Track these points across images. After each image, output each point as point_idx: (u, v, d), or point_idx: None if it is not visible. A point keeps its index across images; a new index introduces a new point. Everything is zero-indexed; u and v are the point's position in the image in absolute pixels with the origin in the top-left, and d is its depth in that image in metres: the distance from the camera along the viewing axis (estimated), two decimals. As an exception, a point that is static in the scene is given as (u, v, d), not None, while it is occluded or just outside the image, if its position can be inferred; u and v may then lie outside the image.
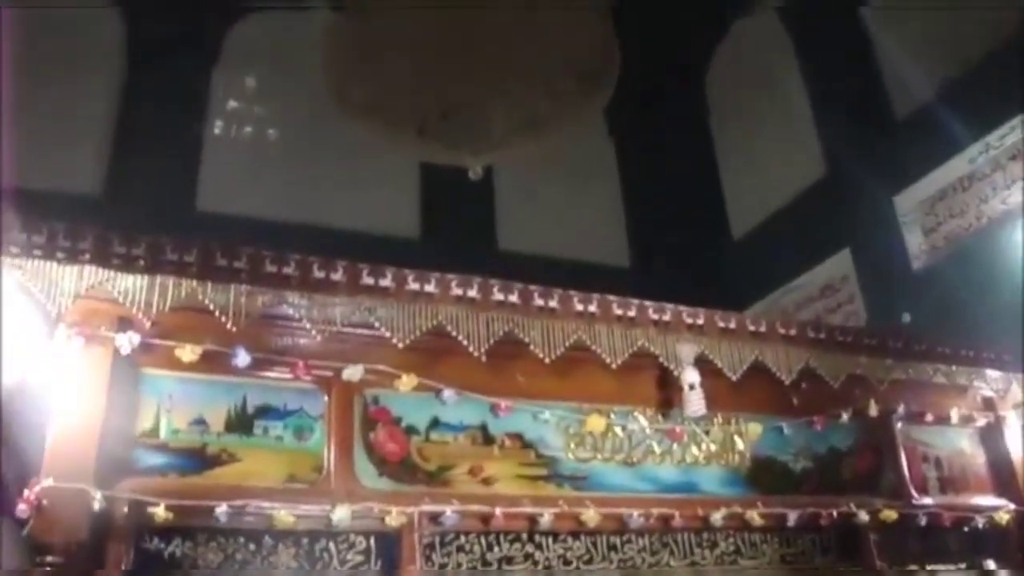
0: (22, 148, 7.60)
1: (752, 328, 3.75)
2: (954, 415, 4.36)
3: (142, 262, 2.75)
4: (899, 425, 4.24)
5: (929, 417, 4.31)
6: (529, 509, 3.24)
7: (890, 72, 8.14)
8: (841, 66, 8.65)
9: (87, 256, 2.68)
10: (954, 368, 4.27)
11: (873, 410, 4.05)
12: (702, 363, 3.58)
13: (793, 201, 9.17)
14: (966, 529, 4.13)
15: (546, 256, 9.29)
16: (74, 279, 2.67)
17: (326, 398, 3.13)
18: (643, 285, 5.52)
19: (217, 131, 9.26)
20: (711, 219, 10.20)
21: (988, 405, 4.52)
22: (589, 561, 3.39)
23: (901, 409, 4.20)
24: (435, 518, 3.07)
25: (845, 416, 4.02)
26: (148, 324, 2.78)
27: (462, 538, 3.21)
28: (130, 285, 2.74)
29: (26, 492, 2.49)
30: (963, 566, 4.06)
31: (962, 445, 4.47)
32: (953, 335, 4.66)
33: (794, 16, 9.41)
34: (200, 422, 2.92)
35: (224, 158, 9.09)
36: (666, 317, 3.57)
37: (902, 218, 7.87)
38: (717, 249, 10.04)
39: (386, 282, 3.09)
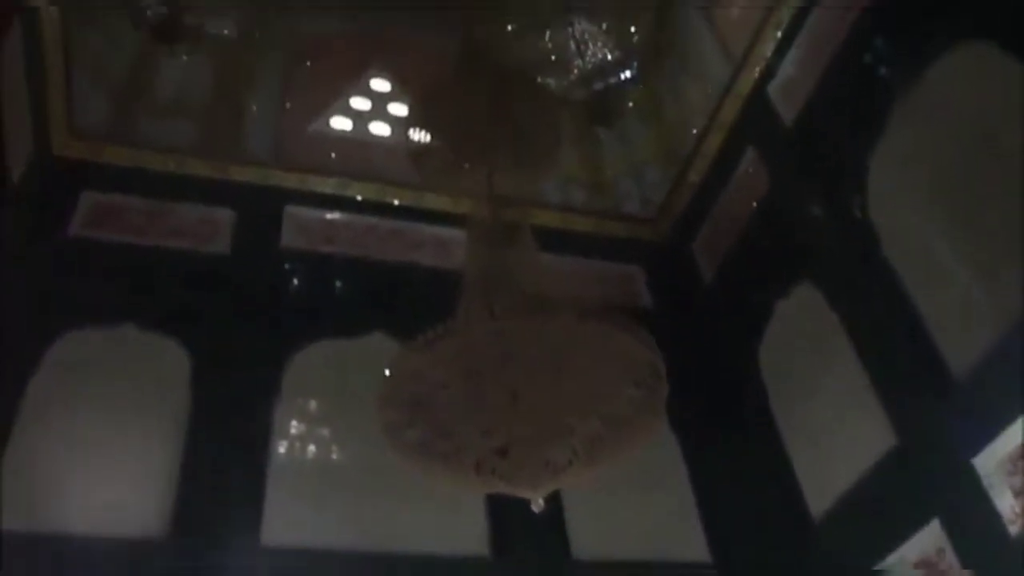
0: (86, 492, 8.09)
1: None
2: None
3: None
4: None
5: None
6: None
7: (940, 335, 8.51)
8: (890, 334, 9.10)
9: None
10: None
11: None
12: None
13: (869, 474, 9.25)
14: None
15: (625, 561, 9.31)
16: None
17: None
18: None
19: (280, 461, 9.70)
20: (787, 503, 10.23)
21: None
22: None
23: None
24: None
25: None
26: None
27: None
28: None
29: None
30: None
31: None
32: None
33: (835, 289, 10.07)
34: None
35: (287, 489, 9.48)
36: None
37: (986, 480, 7.86)
38: (798, 534, 9.95)
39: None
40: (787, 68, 11.38)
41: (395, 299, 11.46)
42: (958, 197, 8.51)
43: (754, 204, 11.93)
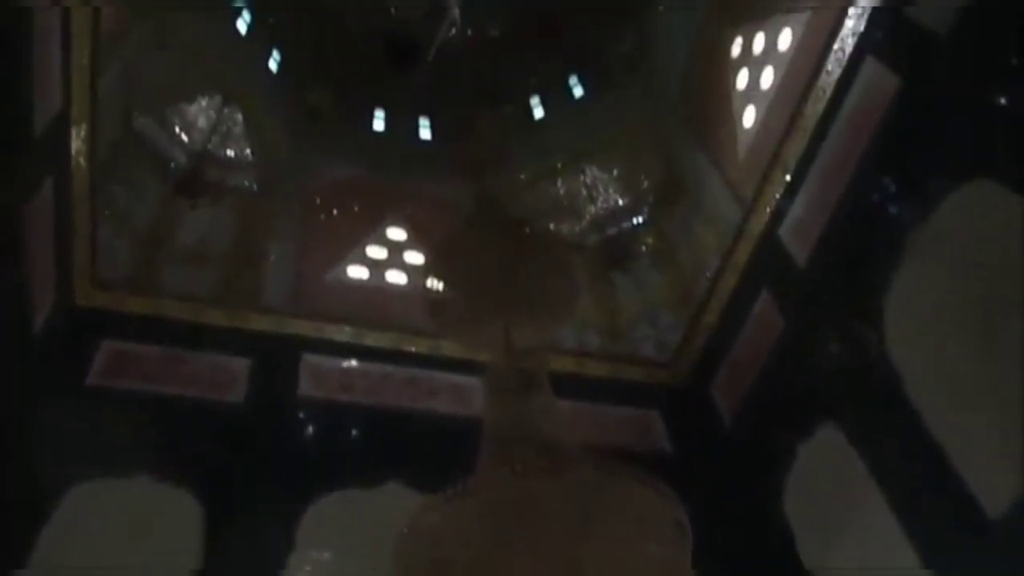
0: None
1: None
2: None
3: None
4: None
5: None
6: None
7: (970, 473, 8.38)
8: (917, 473, 8.98)
9: None
10: None
11: None
12: None
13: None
14: None
15: None
16: None
17: None
18: None
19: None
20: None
21: None
22: None
23: None
24: None
25: None
26: None
27: None
28: None
29: None
30: None
31: None
32: None
33: (857, 430, 10.00)
34: None
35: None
36: None
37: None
38: None
39: None
40: (797, 210, 11.68)
41: (411, 448, 11.43)
42: (976, 330, 8.56)
43: (770, 346, 12.00)
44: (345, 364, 12.39)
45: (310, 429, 11.44)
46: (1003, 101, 8.72)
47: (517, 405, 10.35)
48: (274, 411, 11.42)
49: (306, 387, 11.87)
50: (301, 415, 11.55)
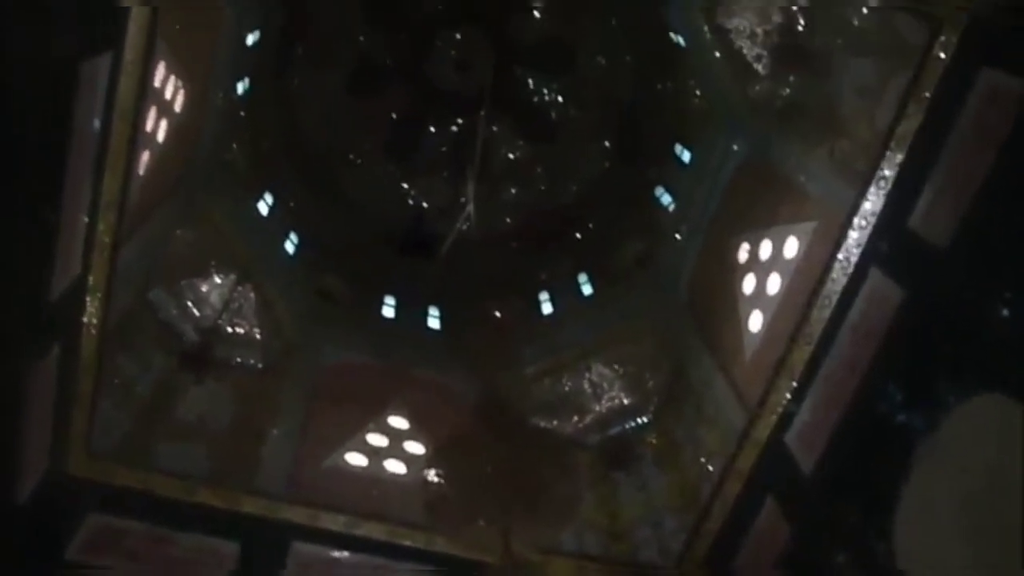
0: None
1: None
2: None
3: None
4: None
5: None
6: None
7: None
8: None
9: None
10: None
11: None
12: None
13: None
14: None
15: None
16: None
17: None
18: None
19: None
20: None
21: None
22: None
23: None
24: None
25: None
26: None
27: None
28: None
29: None
30: None
31: None
32: None
33: None
34: None
35: None
36: None
37: None
38: None
39: None
40: (803, 416, 11.66)
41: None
42: (989, 542, 8.35)
43: (776, 554, 11.66)
44: (336, 554, 12.04)
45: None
46: (1006, 313, 8.90)
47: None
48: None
49: (291, 574, 11.50)
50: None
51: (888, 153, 10.73)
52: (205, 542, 11.34)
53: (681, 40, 15.35)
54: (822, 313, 11.56)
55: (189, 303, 13.11)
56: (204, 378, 12.55)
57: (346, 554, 12.12)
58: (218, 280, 13.61)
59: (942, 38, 9.95)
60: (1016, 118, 8.98)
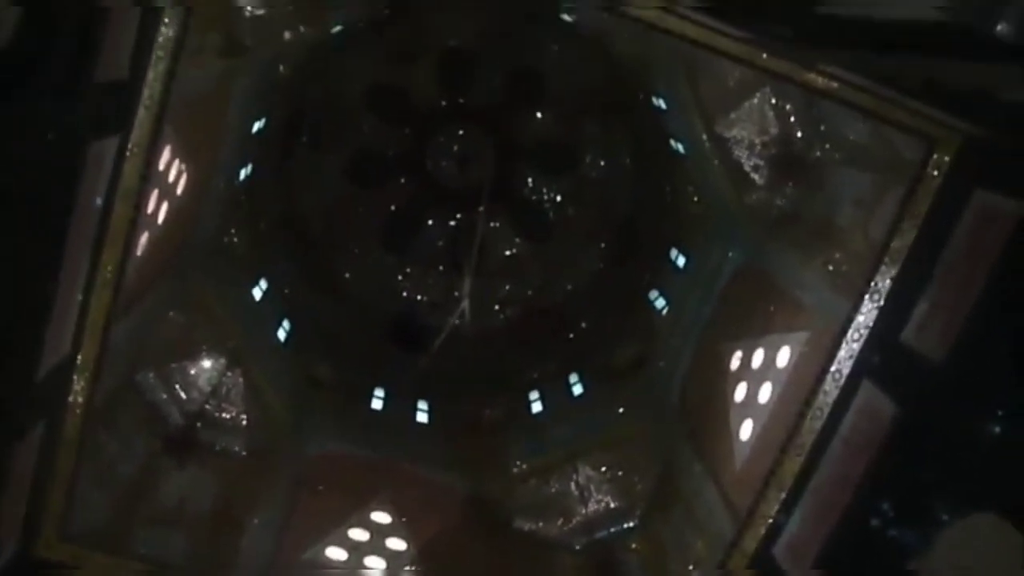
0: None
1: None
2: None
3: None
4: None
5: None
6: None
7: None
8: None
9: None
10: None
11: None
12: None
13: None
14: None
15: None
16: None
17: None
18: None
19: None
20: None
21: None
22: None
23: None
24: None
25: None
26: None
27: None
28: None
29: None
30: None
31: None
32: None
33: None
34: None
35: None
36: None
37: None
38: None
39: None
40: (792, 527, 11.47)
41: None
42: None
43: None
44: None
45: None
46: (998, 431, 8.87)
47: None
48: None
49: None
50: None
51: (883, 267, 10.86)
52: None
53: (680, 147, 15.63)
54: (813, 424, 11.50)
55: (177, 386, 12.98)
56: (187, 463, 12.35)
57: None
58: (207, 364, 13.51)
59: (935, 156, 10.18)
60: (1008, 238, 9.12)
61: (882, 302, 10.86)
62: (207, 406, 13.22)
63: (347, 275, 18.77)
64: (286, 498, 13.39)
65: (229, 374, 13.72)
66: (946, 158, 10.10)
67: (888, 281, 10.79)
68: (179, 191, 12.19)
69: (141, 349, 12.19)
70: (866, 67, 8.89)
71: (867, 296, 11.01)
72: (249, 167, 15.46)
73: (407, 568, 13.70)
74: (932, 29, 5.76)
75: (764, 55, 10.03)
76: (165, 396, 12.70)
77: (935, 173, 10.23)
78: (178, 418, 12.67)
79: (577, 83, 18.05)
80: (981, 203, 9.52)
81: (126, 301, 10.47)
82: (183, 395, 13.07)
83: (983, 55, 5.70)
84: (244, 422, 13.73)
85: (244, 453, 13.41)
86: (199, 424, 12.83)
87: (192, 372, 13.35)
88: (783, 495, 11.71)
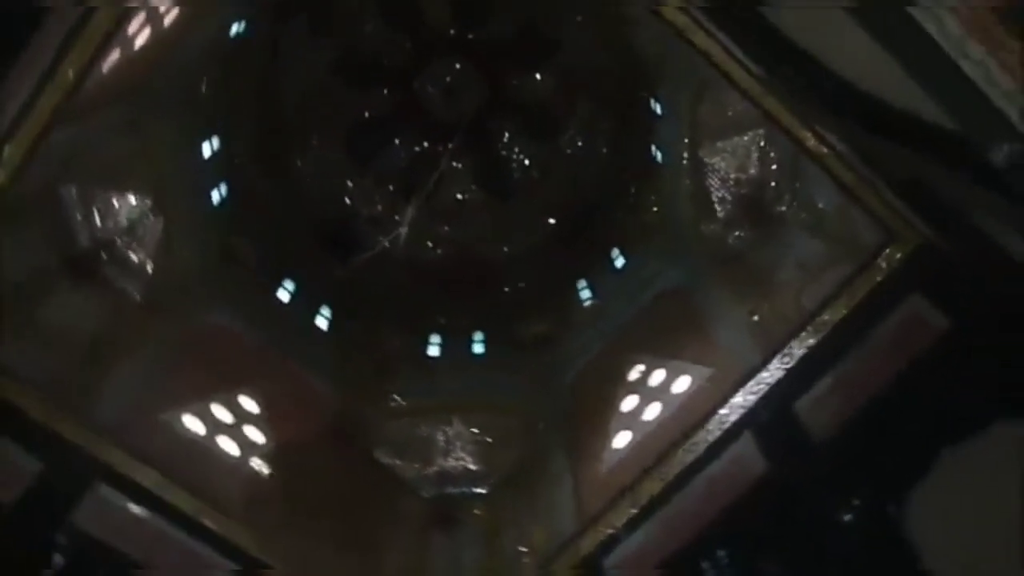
0: None
1: None
2: None
3: None
4: None
5: None
6: None
7: None
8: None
9: None
10: None
11: None
12: None
13: None
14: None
15: None
16: None
17: None
18: None
19: None
20: None
21: None
22: None
23: None
24: None
25: None
26: None
27: None
28: None
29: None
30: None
31: None
32: None
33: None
34: None
35: None
36: None
37: None
38: None
39: None
40: (631, 546, 11.60)
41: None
42: None
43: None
44: (135, 509, 11.35)
45: (59, 559, 10.27)
46: (848, 519, 9.09)
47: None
48: (37, 524, 10.29)
49: (82, 515, 10.78)
50: (60, 539, 10.40)
51: (803, 333, 11.01)
52: (11, 453, 10.57)
53: (660, 155, 15.57)
54: (685, 456, 11.65)
55: (96, 211, 12.41)
56: (79, 289, 11.87)
57: (144, 512, 11.43)
58: (133, 200, 13.00)
59: (889, 250, 10.29)
60: (927, 348, 9.29)
61: (790, 366, 11.02)
62: (119, 241, 12.73)
63: (299, 163, 18.24)
64: (163, 356, 12.96)
65: (151, 218, 13.25)
66: (899, 255, 10.26)
67: (803, 349, 10.96)
68: (167, 22, 11.66)
69: (73, 162, 11.62)
70: (860, 144, 8.93)
71: (779, 356, 11.17)
72: (243, 25, 14.91)
73: (256, 459, 13.48)
74: (935, 131, 5.73)
75: (772, 98, 10.00)
76: (80, 217, 12.14)
77: (883, 264, 10.38)
78: (86, 242, 12.15)
79: (586, 60, 17.81)
80: (914, 308, 9.72)
81: (75, 111, 9.95)
82: (98, 222, 12.54)
83: (970, 172, 5.69)
84: (149, 269, 13.27)
85: (139, 299, 12.95)
86: (105, 256, 12.34)
87: (115, 203, 12.81)
88: (633, 511, 11.84)
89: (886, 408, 9.42)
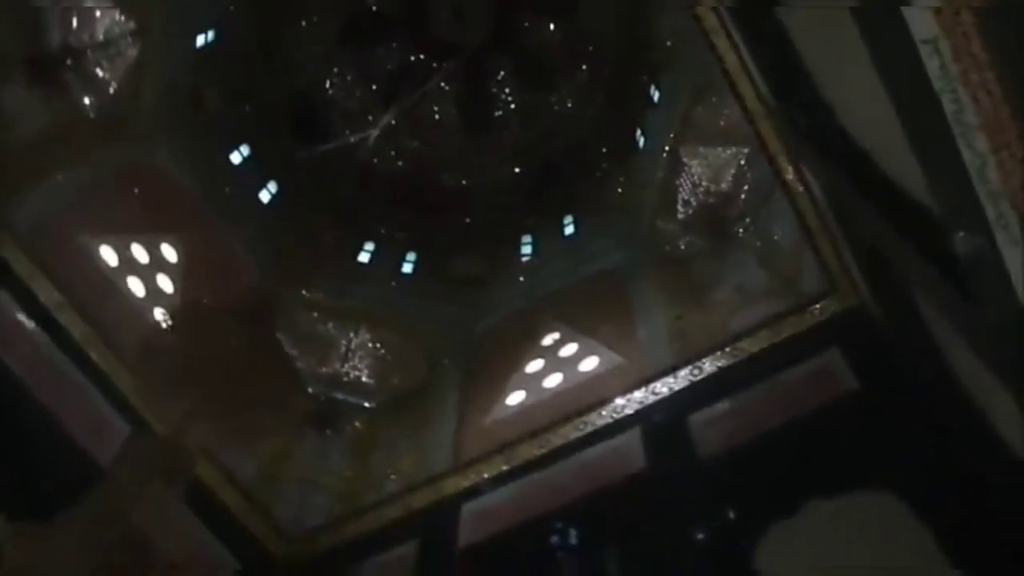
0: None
1: None
2: None
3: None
4: None
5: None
6: None
7: None
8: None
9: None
10: None
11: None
12: None
13: None
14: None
15: None
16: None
17: None
18: None
19: None
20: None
21: None
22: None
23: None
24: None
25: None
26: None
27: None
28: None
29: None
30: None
31: None
32: None
33: None
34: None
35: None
36: None
37: None
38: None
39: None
40: (492, 499, 11.67)
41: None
42: None
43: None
44: (24, 320, 10.94)
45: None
46: (700, 537, 9.27)
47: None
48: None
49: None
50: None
51: (719, 353, 11.10)
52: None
53: (642, 141, 15.48)
54: (571, 432, 11.70)
55: (75, 16, 11.81)
56: (38, 85, 11.31)
57: (35, 328, 11.04)
58: (117, 17, 12.37)
59: (826, 301, 10.43)
60: (829, 402, 9.46)
61: (698, 379, 11.14)
62: (89, 54, 12.14)
63: (289, 44, 17.49)
64: (99, 180, 12.42)
65: (129, 40, 12.65)
66: (833, 308, 10.39)
67: (715, 367, 11.09)
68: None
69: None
70: (837, 196, 8.94)
71: (690, 366, 11.28)
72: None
73: (160, 309, 13.15)
74: (914, 208, 5.73)
75: (768, 122, 9.95)
76: (57, 18, 11.55)
77: (816, 312, 10.52)
78: (56, 43, 11.55)
79: (601, 27, 17.47)
80: (830, 362, 9.87)
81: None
82: (74, 26, 11.95)
83: (935, 259, 5.69)
84: (111, 90, 12.71)
85: (92, 116, 12.39)
86: (70, 63, 11.75)
87: (97, 14, 12.23)
88: (505, 468, 11.90)
89: (773, 445, 9.58)
